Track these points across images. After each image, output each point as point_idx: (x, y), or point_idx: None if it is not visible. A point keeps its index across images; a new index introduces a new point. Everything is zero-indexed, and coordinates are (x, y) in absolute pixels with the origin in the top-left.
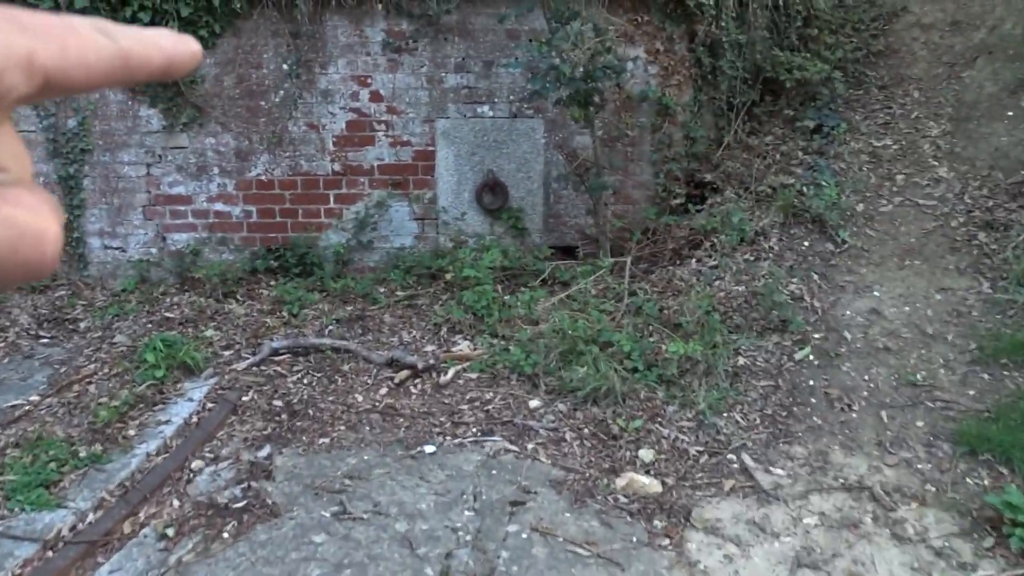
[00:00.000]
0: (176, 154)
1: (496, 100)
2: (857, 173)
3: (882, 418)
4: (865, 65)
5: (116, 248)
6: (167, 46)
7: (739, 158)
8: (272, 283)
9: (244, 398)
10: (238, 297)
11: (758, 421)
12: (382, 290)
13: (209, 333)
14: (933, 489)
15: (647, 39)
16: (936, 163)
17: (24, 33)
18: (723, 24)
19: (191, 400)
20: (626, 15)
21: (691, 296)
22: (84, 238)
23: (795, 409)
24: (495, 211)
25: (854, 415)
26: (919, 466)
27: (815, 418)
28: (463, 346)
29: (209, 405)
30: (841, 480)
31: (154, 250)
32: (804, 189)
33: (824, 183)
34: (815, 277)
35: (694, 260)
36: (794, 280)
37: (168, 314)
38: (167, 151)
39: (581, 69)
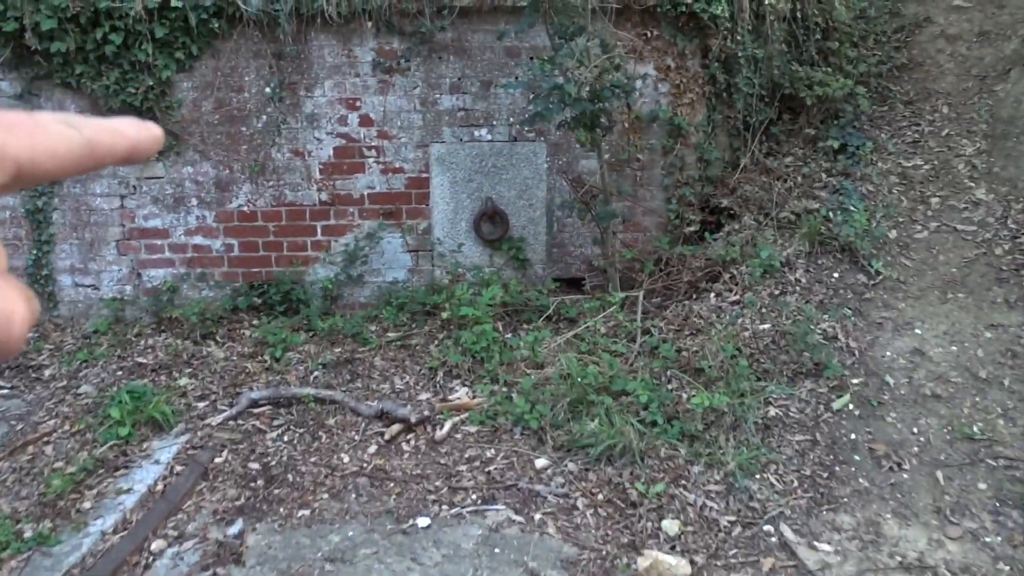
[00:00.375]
0: (152, 184)
1: (495, 123)
2: (887, 196)
3: (938, 479)
4: (889, 79)
5: (88, 286)
6: (131, 134)
7: (757, 181)
8: (255, 322)
9: (217, 459)
10: (217, 338)
11: (796, 484)
12: (373, 328)
13: (183, 382)
14: (1007, 568)
15: (657, 55)
16: (973, 184)
17: None
18: (739, 38)
19: (157, 463)
20: (634, 30)
21: (712, 336)
22: (54, 275)
23: (837, 469)
24: (495, 241)
25: (905, 475)
26: (987, 539)
27: (861, 479)
28: (461, 393)
29: (177, 468)
30: (899, 557)
31: (129, 288)
32: (830, 215)
33: (852, 208)
34: (849, 314)
35: (712, 295)
36: (826, 317)
37: (141, 359)
38: (142, 181)
39: (587, 88)
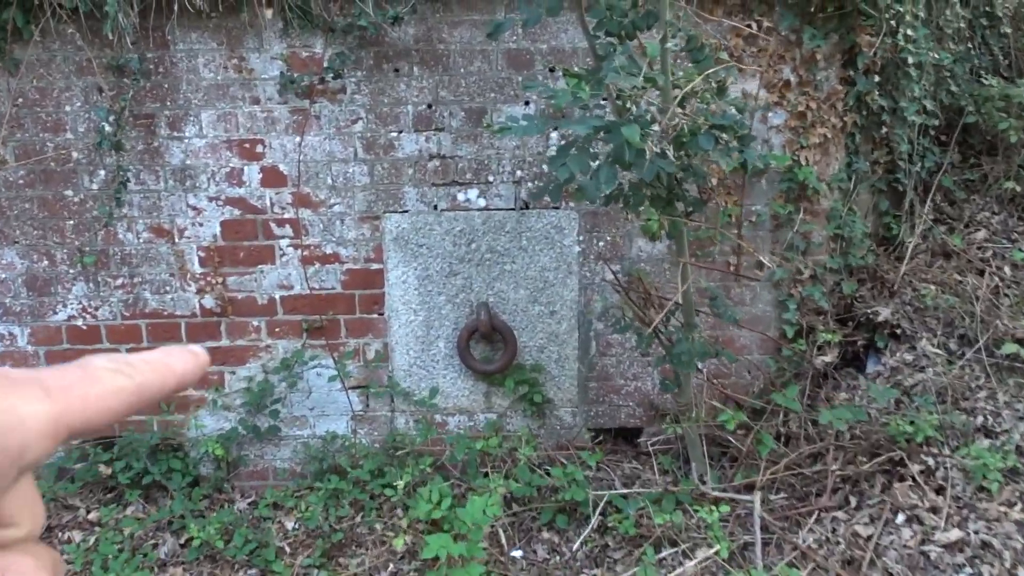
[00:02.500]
0: None
1: (491, 178)
2: None
3: None
4: None
5: None
6: (179, 368)
7: (935, 274)
8: (95, 513)
9: None
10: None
11: None
12: (292, 529)
13: None
14: None
15: (767, 62)
16: None
17: (48, 396)
18: (909, 32)
19: None
20: (727, 19)
21: None
22: None
23: None
24: (493, 373)
25: None
26: None
27: None
28: None
29: None
30: None
31: None
32: None
33: None
34: None
35: (900, 513)
36: None
37: None
38: None
39: (666, 133)
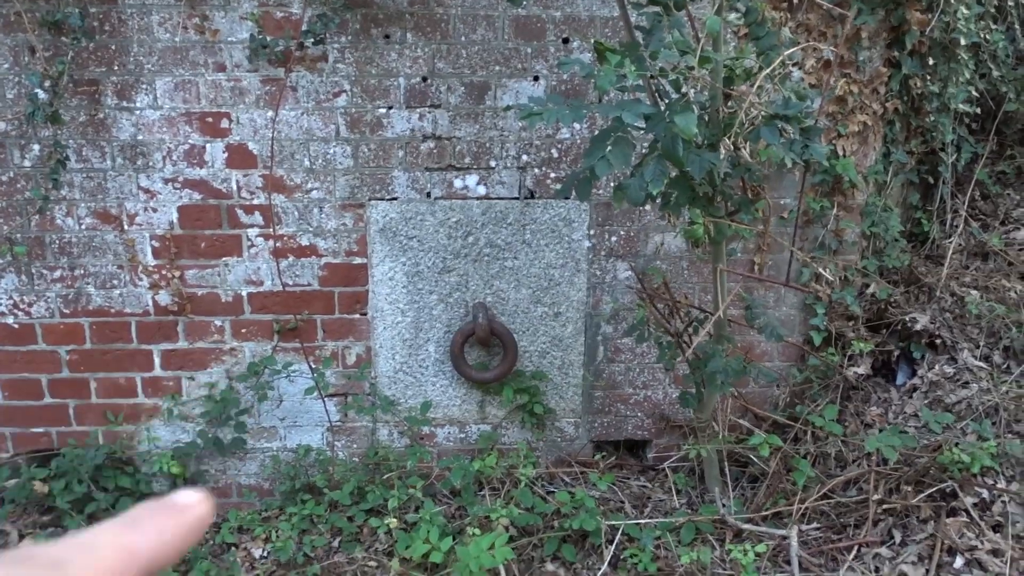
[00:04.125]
0: None
1: (493, 163)
2: None
3: None
4: None
5: None
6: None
7: (977, 278)
8: (31, 535)
9: None
10: None
11: None
12: (253, 568)
13: None
14: None
15: (806, 40)
16: None
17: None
18: (964, 11)
19: None
20: None
21: None
22: None
23: None
24: (490, 382)
25: None
26: None
27: None
28: None
29: None
30: None
31: None
32: None
33: None
34: None
35: (957, 555)
36: None
37: None
38: None
39: (716, 123)
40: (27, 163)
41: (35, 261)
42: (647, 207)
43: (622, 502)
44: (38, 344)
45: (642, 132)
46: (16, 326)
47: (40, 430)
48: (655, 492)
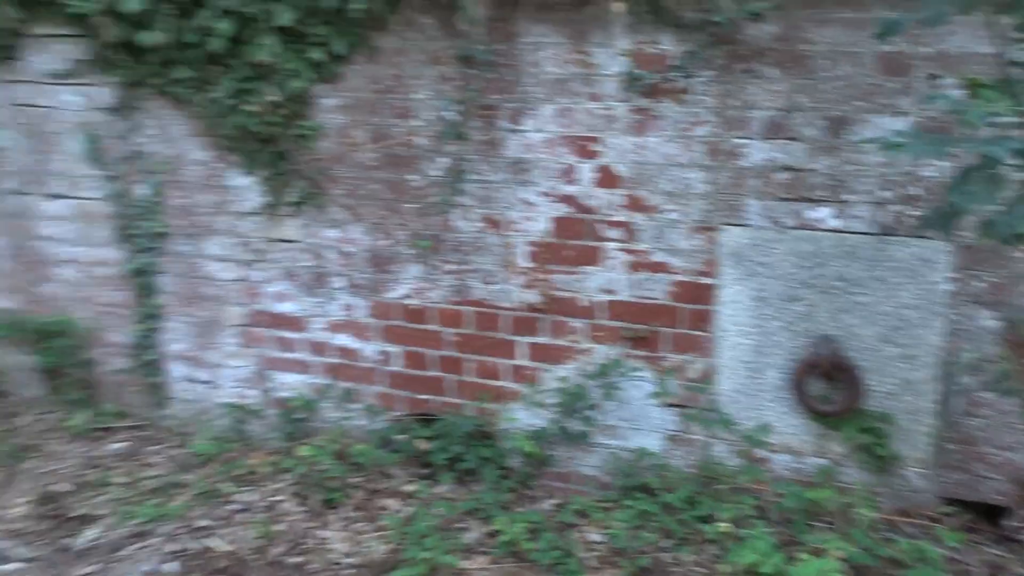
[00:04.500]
0: (283, 250)
1: (849, 197)
2: None
3: None
4: None
5: (204, 382)
6: None
7: None
8: (408, 486)
9: None
10: (349, 508)
11: None
12: (590, 550)
13: None
14: None
15: None
16: None
17: None
18: None
19: None
20: None
21: None
22: (162, 362)
23: None
24: (831, 415)
25: None
26: None
27: None
28: None
29: None
30: None
31: (254, 393)
32: None
33: None
34: None
35: None
36: None
37: (214, 542)
38: (271, 245)
39: None
40: (436, 173)
41: (431, 255)
42: (1020, 252)
43: (969, 567)
44: (428, 324)
45: (1015, 170)
46: (414, 304)
47: (424, 397)
48: (1012, 565)
